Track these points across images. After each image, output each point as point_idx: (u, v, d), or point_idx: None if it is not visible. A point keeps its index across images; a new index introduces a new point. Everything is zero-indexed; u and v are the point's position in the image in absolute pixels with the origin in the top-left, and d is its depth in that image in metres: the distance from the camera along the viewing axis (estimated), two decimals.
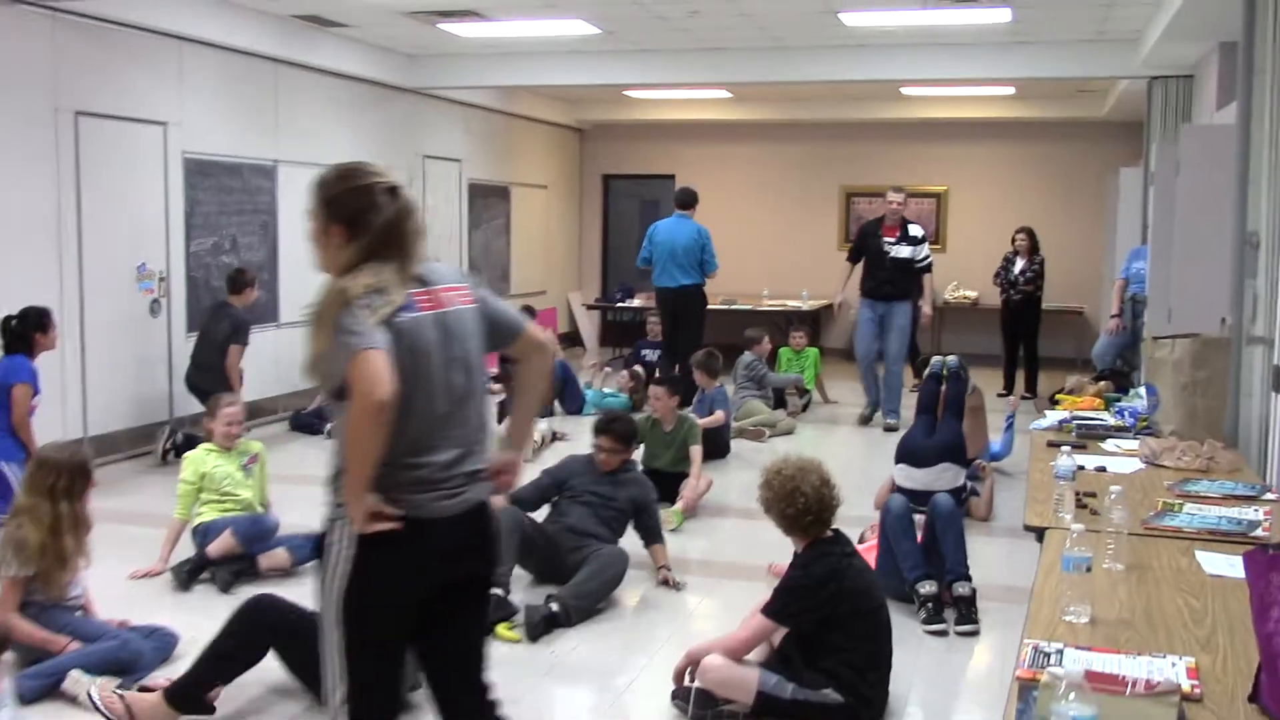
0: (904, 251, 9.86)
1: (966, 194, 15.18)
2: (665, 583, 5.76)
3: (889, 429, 9.76)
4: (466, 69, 11.54)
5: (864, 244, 10.05)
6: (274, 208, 9.85)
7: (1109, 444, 5.01)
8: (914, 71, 10.78)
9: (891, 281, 9.87)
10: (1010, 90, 13.33)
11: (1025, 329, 11.96)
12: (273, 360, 9.87)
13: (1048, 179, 14.86)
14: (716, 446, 8.74)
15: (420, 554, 2.78)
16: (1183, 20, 7.67)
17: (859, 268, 10.21)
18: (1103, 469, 4.50)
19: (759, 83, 11.43)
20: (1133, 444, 4.94)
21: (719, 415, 8.73)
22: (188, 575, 5.53)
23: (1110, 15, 9.05)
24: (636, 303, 14.11)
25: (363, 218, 2.85)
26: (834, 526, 4.18)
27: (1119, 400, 5.76)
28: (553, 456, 8.34)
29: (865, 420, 10.29)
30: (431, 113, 12.47)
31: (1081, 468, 4.39)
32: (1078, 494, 3.91)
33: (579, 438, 8.95)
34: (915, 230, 9.98)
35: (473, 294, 2.96)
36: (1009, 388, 12.17)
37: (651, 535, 5.89)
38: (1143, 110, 12.93)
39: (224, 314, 8.39)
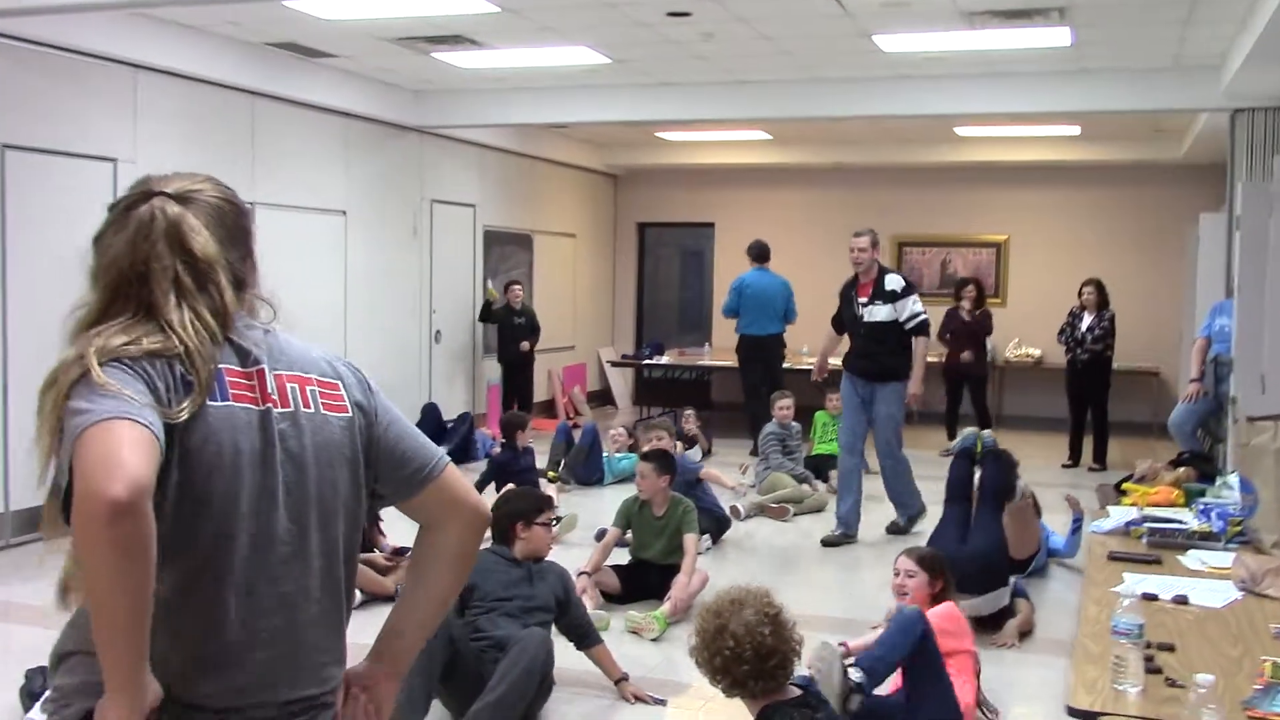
0: (879, 313, 7.60)
1: (1028, 243, 13.95)
2: (635, 699, 4.74)
3: (896, 530, 7.84)
4: (474, 105, 10.63)
5: (841, 307, 8.02)
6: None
7: (1191, 558, 3.83)
8: (964, 105, 9.65)
9: (869, 354, 7.69)
10: (1075, 130, 12.14)
11: (1094, 391, 10.73)
12: None
13: (1118, 227, 13.59)
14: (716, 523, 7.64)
15: None
16: (1271, 42, 6.53)
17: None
18: (1183, 599, 3.32)
19: (791, 119, 10.38)
20: (1223, 559, 3.75)
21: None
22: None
23: (1187, 36, 7.89)
24: (665, 359, 13.01)
25: (98, 246, 1.83)
26: (803, 675, 3.05)
27: (1203, 495, 4.56)
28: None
29: (834, 541, 7.68)
30: (441, 154, 11.57)
31: (1154, 598, 3.24)
32: (1148, 646, 2.75)
33: (592, 512, 7.90)
34: (893, 282, 7.67)
35: (349, 398, 1.87)
36: (1075, 457, 10.94)
37: (584, 637, 4.85)
38: (1224, 149, 11.75)
39: None
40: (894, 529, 7.88)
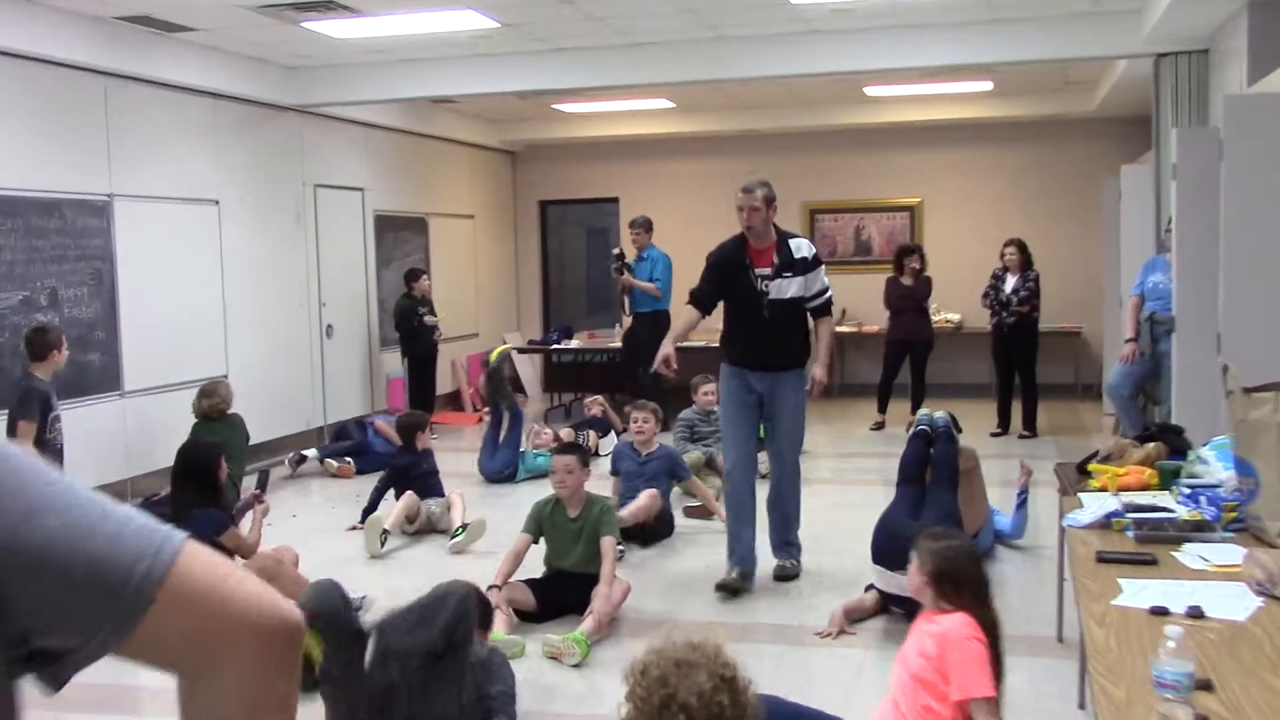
0: (790, 287, 5.90)
1: (943, 205, 13.55)
2: None
3: (783, 576, 6.16)
4: (353, 80, 9.85)
5: (721, 279, 6.04)
6: (110, 252, 8.11)
7: (1188, 554, 3.32)
8: (875, 60, 9.10)
9: (773, 341, 5.93)
10: (988, 86, 11.72)
11: (1021, 355, 10.35)
12: (116, 435, 8.13)
13: (1034, 185, 13.25)
14: (662, 523, 7.08)
15: None
16: None
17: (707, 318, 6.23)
18: (1198, 612, 2.79)
19: (694, 82, 9.75)
20: (1227, 554, 3.25)
21: (643, 501, 6.98)
22: None
23: None
24: (574, 344, 12.37)
25: None
26: None
27: (1178, 474, 4.06)
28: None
29: (731, 588, 5.95)
30: (323, 135, 10.76)
31: (1164, 612, 2.72)
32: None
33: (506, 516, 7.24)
34: (802, 248, 5.98)
35: None
36: (1004, 424, 10.56)
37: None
38: (1137, 103, 11.43)
39: (17, 386, 6.65)
40: (783, 575, 6.14)
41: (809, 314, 6.06)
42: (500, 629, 5.10)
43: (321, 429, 10.61)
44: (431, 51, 9.31)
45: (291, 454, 9.52)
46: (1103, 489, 4.19)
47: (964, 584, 3.43)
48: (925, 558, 3.53)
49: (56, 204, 7.66)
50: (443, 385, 12.52)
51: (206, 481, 5.75)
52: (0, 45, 7.16)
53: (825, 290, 6.07)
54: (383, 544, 6.85)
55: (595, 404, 10.40)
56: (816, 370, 6.00)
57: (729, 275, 5.98)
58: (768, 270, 5.89)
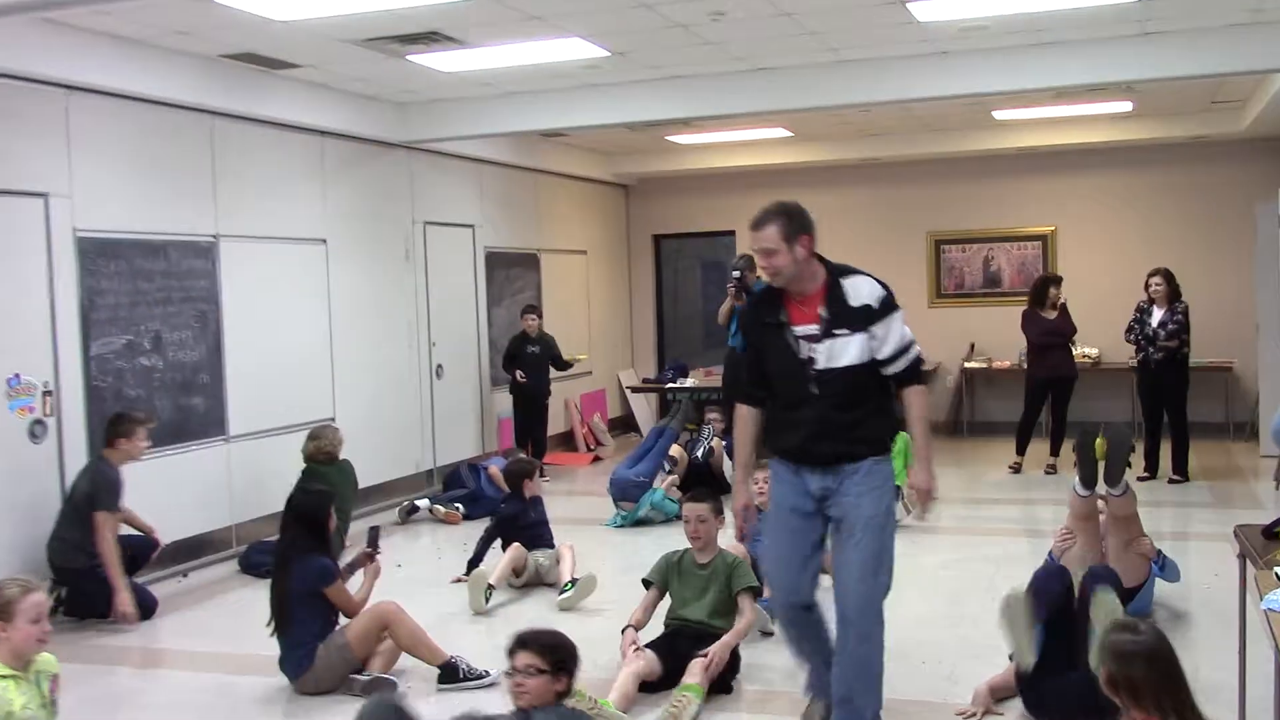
0: (848, 351, 4.16)
1: (1078, 234, 12.83)
2: None
3: None
4: (461, 115, 9.59)
5: (755, 340, 4.42)
6: (215, 294, 7.94)
7: None
8: (1008, 81, 8.49)
9: (831, 424, 4.19)
10: (1127, 107, 11.01)
11: (1171, 393, 9.63)
12: (221, 481, 7.95)
13: (1176, 211, 12.45)
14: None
15: None
16: None
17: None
18: None
19: (817, 108, 9.25)
20: None
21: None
22: None
23: None
24: (690, 381, 11.94)
25: None
26: None
27: None
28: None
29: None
30: (432, 171, 10.56)
31: None
32: None
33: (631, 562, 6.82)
34: (859, 290, 4.21)
35: None
36: (1152, 468, 9.83)
37: None
38: None
39: (89, 470, 6.54)
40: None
41: (888, 381, 4.27)
42: (614, 697, 4.72)
43: (431, 472, 10.35)
44: (540, 84, 9.02)
45: (403, 503, 9.25)
46: None
47: (1143, 691, 2.89)
48: (1101, 655, 3.02)
49: (162, 246, 7.51)
50: (555, 425, 12.22)
51: (315, 530, 5.45)
52: (107, 86, 7.04)
53: (906, 348, 4.19)
54: (487, 600, 6.49)
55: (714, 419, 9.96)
56: (915, 475, 4.39)
57: (765, 339, 4.30)
58: (814, 328, 4.15)
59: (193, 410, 7.73)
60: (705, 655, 4.92)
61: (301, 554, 5.31)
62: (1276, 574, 3.41)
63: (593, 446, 12.71)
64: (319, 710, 5.04)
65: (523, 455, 8.53)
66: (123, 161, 7.28)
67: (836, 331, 4.13)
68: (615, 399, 13.96)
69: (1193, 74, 8.20)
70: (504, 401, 11.27)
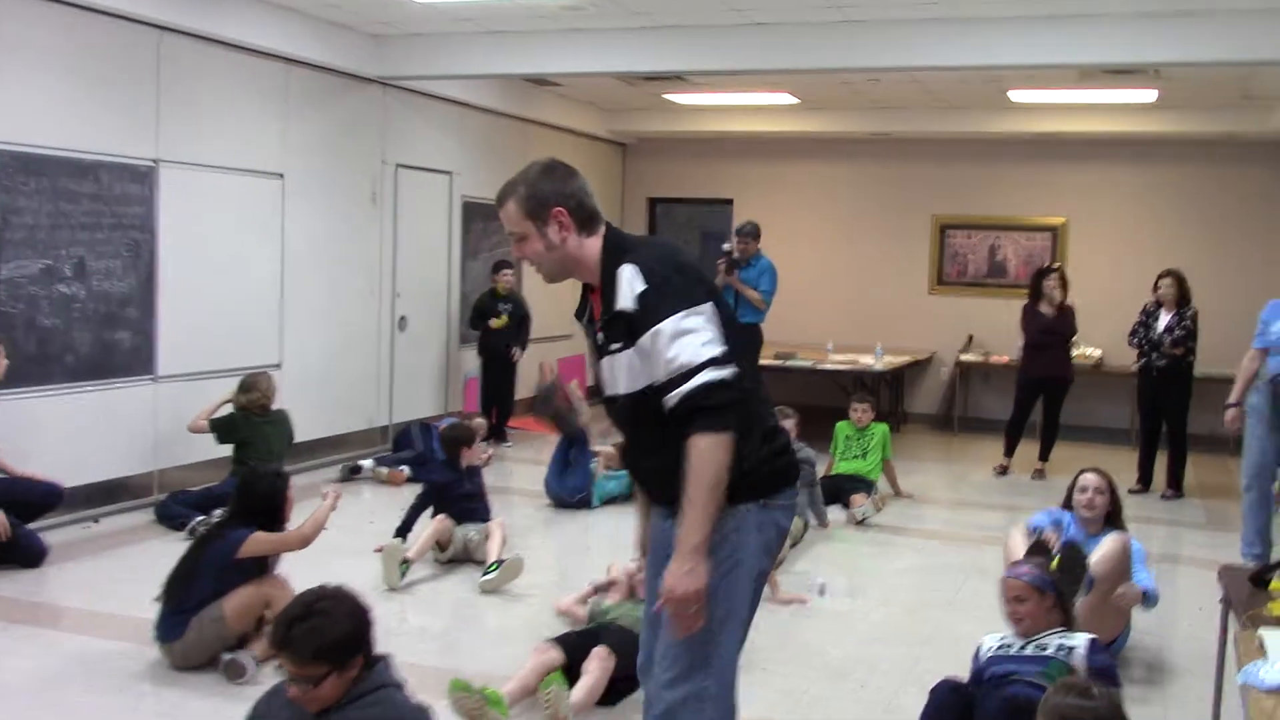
0: (620, 372, 2.90)
1: (1090, 228, 12.19)
2: None
3: None
4: (440, 53, 9.01)
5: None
6: (151, 222, 7.38)
7: None
8: (1023, 54, 7.88)
9: (643, 461, 3.08)
10: (1152, 96, 10.36)
11: (1170, 403, 9.08)
12: (146, 423, 7.43)
13: (1196, 212, 11.81)
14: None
15: None
16: None
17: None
18: None
19: (818, 70, 8.61)
20: None
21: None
22: None
23: None
24: None
25: None
26: None
27: None
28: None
29: None
30: (410, 112, 9.96)
31: None
32: None
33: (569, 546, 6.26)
34: (620, 283, 2.85)
35: None
36: (1145, 480, 9.28)
37: None
38: None
39: None
40: None
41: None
42: (511, 688, 4.23)
43: (386, 429, 9.82)
44: (522, 24, 8.41)
45: (344, 463, 8.70)
46: None
47: None
48: (1045, 716, 2.50)
49: (92, 166, 6.94)
50: (527, 388, 11.68)
51: (271, 518, 4.91)
52: None
53: (686, 373, 2.74)
54: (403, 575, 5.97)
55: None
56: (668, 570, 2.77)
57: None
58: (601, 337, 2.97)
59: (117, 345, 7.19)
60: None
61: (232, 529, 4.80)
62: (1260, 639, 2.85)
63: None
64: (191, 692, 4.51)
65: (462, 420, 7.95)
66: (53, 73, 6.71)
67: (612, 346, 2.89)
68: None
69: (1224, 60, 7.58)
70: (472, 360, 10.72)
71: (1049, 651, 3.81)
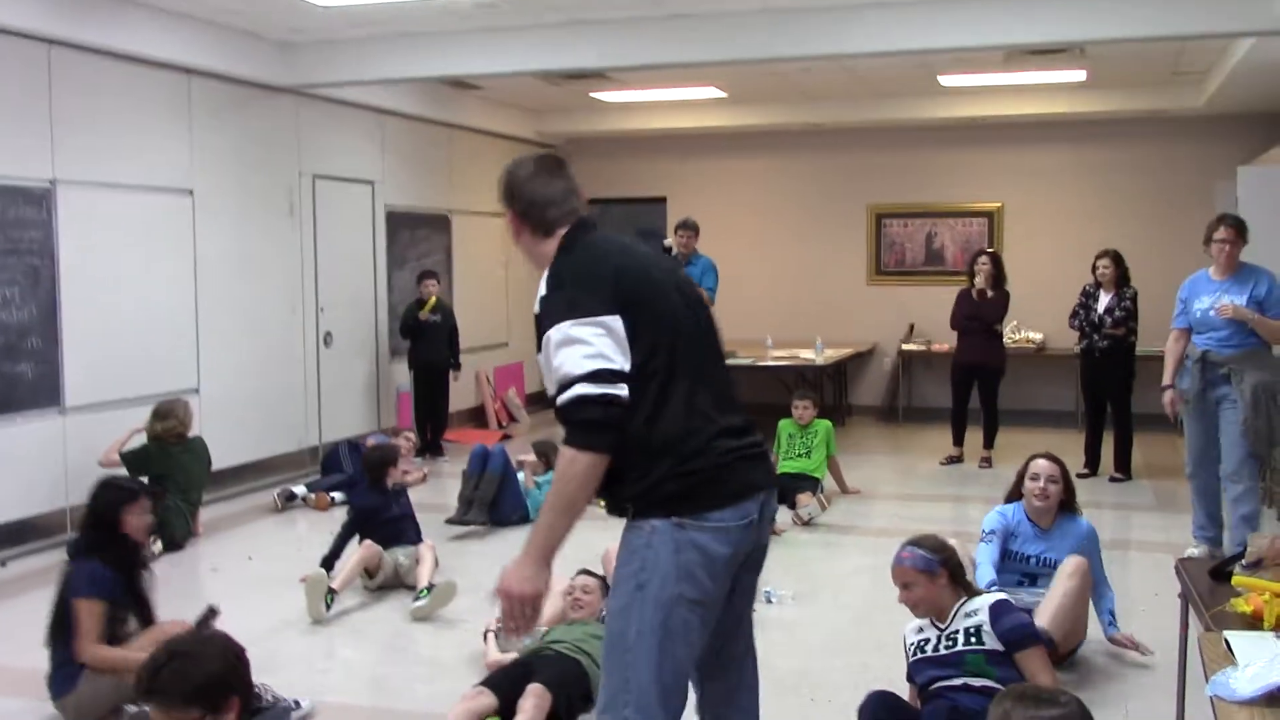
0: (547, 373, 2.83)
1: (1026, 212, 12.10)
2: None
3: None
4: (350, 59, 8.67)
5: None
6: (50, 247, 7.01)
7: None
8: (950, 37, 7.71)
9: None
10: (1081, 76, 10.26)
11: (1115, 384, 8.96)
12: (54, 458, 7.05)
13: (1131, 190, 11.74)
14: None
15: None
16: None
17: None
18: None
19: (741, 60, 8.34)
20: None
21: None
22: None
23: None
24: None
25: None
26: None
27: None
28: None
29: None
30: (326, 121, 9.62)
31: None
32: None
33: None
34: (545, 280, 2.90)
35: None
36: (1092, 464, 9.14)
37: None
38: (1256, 98, 10.04)
39: None
40: None
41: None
42: None
43: (316, 449, 9.47)
44: (432, 24, 8.12)
45: (279, 489, 8.31)
46: (1257, 618, 2.87)
47: None
48: None
49: None
50: (465, 399, 11.40)
51: (102, 531, 4.57)
52: None
53: (565, 383, 2.66)
54: (329, 606, 5.66)
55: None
56: (505, 572, 2.76)
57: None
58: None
59: (19, 378, 6.81)
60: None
61: (80, 556, 4.47)
62: (1226, 641, 2.65)
63: (504, 423, 11.89)
64: None
65: (382, 441, 7.63)
66: None
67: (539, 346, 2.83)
68: (534, 373, 13.12)
69: (1153, 35, 7.44)
70: (403, 374, 10.41)
71: (960, 645, 3.66)
